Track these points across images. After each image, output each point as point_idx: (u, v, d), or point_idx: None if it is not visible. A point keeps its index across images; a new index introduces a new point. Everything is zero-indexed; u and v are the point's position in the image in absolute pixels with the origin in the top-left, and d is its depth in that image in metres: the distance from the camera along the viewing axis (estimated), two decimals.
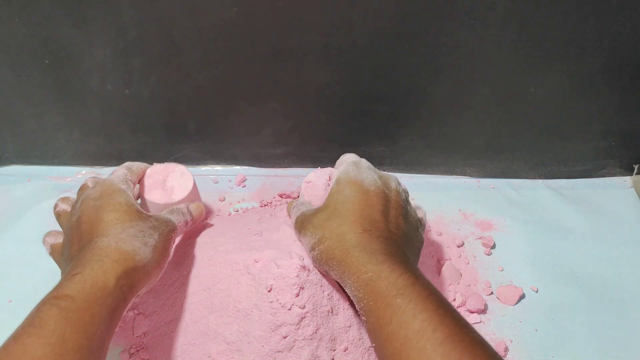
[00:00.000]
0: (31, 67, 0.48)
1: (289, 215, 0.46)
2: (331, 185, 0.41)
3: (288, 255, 0.41)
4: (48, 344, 0.27)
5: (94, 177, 0.43)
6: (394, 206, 0.38)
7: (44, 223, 0.51)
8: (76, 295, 0.30)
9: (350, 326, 0.40)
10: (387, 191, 0.39)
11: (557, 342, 0.44)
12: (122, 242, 0.35)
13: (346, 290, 0.35)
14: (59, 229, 0.51)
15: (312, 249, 0.38)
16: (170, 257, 0.40)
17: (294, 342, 0.39)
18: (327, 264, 0.36)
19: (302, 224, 0.40)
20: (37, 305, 0.30)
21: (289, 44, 0.46)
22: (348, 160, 0.42)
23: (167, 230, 0.39)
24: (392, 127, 0.54)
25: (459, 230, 0.53)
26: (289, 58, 0.47)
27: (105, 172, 0.57)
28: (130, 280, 0.33)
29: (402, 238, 0.37)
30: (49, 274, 0.47)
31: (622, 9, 0.43)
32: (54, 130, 0.54)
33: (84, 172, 0.57)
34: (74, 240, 0.37)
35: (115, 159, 0.57)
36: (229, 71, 0.48)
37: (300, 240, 0.41)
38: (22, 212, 0.52)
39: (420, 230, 0.41)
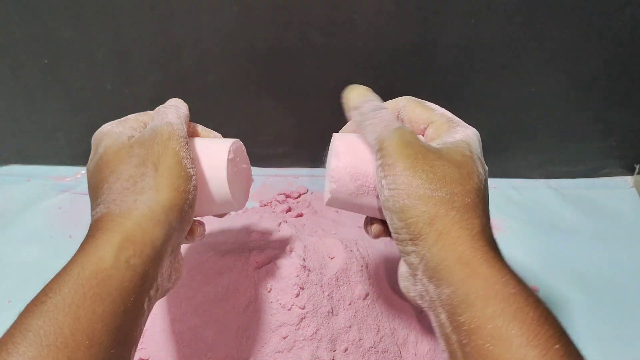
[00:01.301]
0: (31, 67, 0.48)
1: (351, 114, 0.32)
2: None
3: (288, 255, 0.40)
4: None
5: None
6: None
7: (43, 223, 0.51)
8: (55, 296, 0.24)
9: (350, 327, 0.40)
10: None
11: None
12: (112, 203, 0.27)
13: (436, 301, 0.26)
14: (58, 229, 0.51)
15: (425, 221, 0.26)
16: (189, 175, 0.29)
17: (294, 342, 0.38)
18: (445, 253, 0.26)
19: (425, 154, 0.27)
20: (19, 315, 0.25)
21: (289, 44, 0.46)
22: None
23: (161, 149, 0.29)
24: None
25: None
26: (289, 58, 0.47)
27: None
28: (135, 246, 0.26)
29: None
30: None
31: (623, 8, 0.43)
32: (53, 130, 0.54)
33: (83, 172, 0.57)
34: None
35: None
36: (228, 71, 0.48)
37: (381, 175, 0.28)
38: (22, 211, 0.52)
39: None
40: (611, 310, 0.46)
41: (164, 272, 0.28)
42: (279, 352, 0.38)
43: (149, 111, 0.34)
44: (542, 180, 0.58)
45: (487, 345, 0.23)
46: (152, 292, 0.27)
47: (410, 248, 0.27)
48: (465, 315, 0.24)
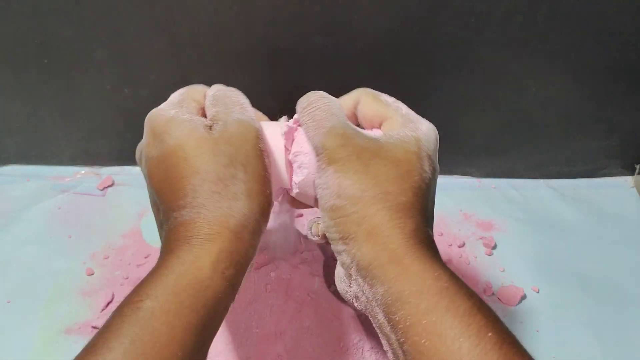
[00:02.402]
0: (30, 67, 0.48)
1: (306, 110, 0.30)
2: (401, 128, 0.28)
3: (288, 256, 0.40)
4: None
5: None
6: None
7: (43, 223, 0.51)
8: (152, 303, 0.23)
9: (350, 327, 0.40)
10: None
11: (558, 343, 0.44)
12: (203, 208, 0.26)
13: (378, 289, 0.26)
14: (58, 229, 0.51)
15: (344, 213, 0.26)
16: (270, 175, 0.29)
17: (295, 342, 0.38)
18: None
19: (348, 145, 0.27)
20: (114, 311, 0.24)
21: (289, 44, 0.46)
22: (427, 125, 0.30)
23: (249, 149, 0.28)
24: None
25: (459, 230, 0.53)
26: (289, 58, 0.47)
27: (104, 172, 0.57)
28: (232, 257, 0.26)
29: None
30: (49, 275, 0.47)
31: (624, 8, 0.43)
32: (52, 130, 0.54)
33: (82, 172, 0.57)
34: (153, 209, 0.29)
35: (114, 159, 0.57)
36: (228, 71, 0.48)
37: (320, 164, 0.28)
38: (21, 212, 0.52)
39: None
40: (611, 311, 0.46)
41: (245, 276, 0.28)
42: (279, 352, 0.38)
43: (198, 86, 0.33)
44: (542, 180, 0.58)
45: (424, 341, 0.23)
46: (235, 297, 0.27)
47: (341, 247, 0.27)
48: (400, 313, 0.24)
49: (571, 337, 0.44)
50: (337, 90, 0.50)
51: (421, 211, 0.27)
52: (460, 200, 0.56)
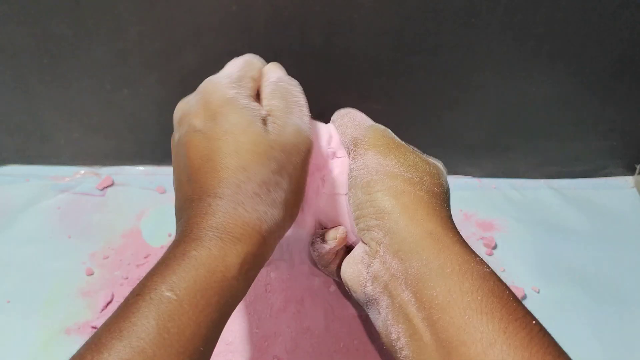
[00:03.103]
0: (30, 66, 0.48)
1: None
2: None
3: (288, 256, 0.40)
4: None
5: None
6: None
7: (43, 223, 0.51)
8: (182, 294, 0.23)
9: (350, 326, 0.40)
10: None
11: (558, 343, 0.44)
12: (241, 206, 0.26)
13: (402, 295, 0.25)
14: (57, 230, 0.51)
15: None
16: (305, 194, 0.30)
17: (295, 343, 0.38)
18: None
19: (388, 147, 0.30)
20: (127, 299, 0.24)
21: (289, 44, 0.46)
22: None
23: (298, 161, 0.28)
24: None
25: (460, 230, 0.52)
26: (289, 58, 0.47)
27: (104, 172, 0.57)
28: (256, 260, 0.26)
29: None
30: (48, 275, 0.47)
31: (624, 8, 0.43)
32: (52, 130, 0.54)
33: (82, 171, 0.56)
34: (182, 178, 0.28)
35: (113, 159, 0.57)
36: None
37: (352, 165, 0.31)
38: (21, 212, 0.52)
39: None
40: (611, 310, 0.46)
41: None
42: (279, 352, 0.38)
43: (255, 61, 0.33)
44: (542, 180, 0.58)
45: (466, 317, 0.23)
46: None
47: (373, 222, 0.27)
48: (439, 288, 0.24)
49: (571, 337, 0.44)
50: (337, 90, 0.50)
51: (449, 209, 0.29)
52: (460, 200, 0.56)
